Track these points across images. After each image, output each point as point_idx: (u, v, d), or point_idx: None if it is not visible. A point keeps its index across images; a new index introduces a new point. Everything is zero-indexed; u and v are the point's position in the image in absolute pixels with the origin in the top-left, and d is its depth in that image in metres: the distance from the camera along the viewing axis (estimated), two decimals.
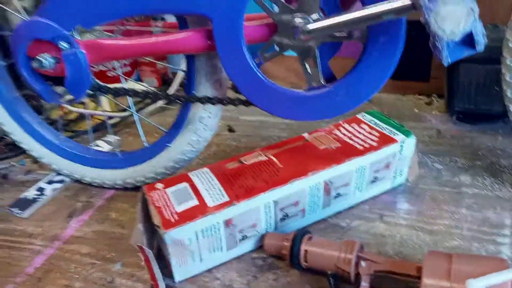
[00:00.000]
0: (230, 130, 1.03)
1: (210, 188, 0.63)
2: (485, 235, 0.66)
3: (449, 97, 0.97)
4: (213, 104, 0.65)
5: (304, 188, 0.65)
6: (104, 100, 1.16)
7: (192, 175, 0.66)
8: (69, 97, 0.70)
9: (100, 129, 1.06)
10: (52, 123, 1.05)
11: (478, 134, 0.93)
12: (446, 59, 0.42)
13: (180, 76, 1.16)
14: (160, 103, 1.14)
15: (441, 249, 0.64)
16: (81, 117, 1.12)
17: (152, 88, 0.84)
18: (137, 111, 0.74)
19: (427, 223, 0.69)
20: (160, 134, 0.78)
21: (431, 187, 0.77)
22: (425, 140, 0.92)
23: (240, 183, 0.63)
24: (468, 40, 0.40)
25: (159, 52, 0.62)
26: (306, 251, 0.60)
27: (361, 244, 0.59)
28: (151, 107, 1.14)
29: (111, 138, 0.99)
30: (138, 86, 1.04)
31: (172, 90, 1.15)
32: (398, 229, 0.68)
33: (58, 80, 0.67)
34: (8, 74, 0.83)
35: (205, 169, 0.67)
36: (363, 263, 0.56)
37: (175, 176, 0.67)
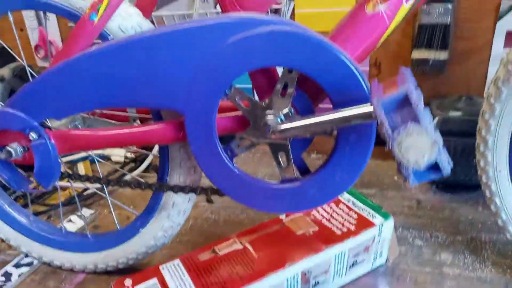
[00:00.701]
0: (208, 201, 1.00)
1: (181, 285, 0.60)
2: None
3: None
4: (185, 193, 0.63)
5: (281, 281, 0.62)
6: (80, 168, 1.14)
7: (163, 269, 0.63)
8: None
9: (74, 201, 1.03)
10: (23, 195, 1.02)
11: (458, 204, 0.92)
12: (413, 182, 0.42)
13: (148, 159, 1.15)
14: (137, 172, 1.12)
15: None
16: (55, 188, 1.09)
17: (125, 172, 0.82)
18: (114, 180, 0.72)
19: None
20: (140, 201, 0.75)
21: (412, 267, 0.75)
22: (405, 212, 0.91)
23: (212, 278, 0.61)
24: (434, 165, 0.40)
25: (131, 143, 0.61)
26: None
27: None
28: (128, 176, 1.12)
29: (85, 212, 0.96)
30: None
31: (137, 171, 1.13)
32: None
33: (27, 167, 0.66)
34: None
35: (177, 262, 0.65)
36: None
37: (145, 270, 0.64)
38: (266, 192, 0.58)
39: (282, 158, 0.57)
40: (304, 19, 1.01)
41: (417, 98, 0.38)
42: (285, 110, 0.54)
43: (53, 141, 0.62)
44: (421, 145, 0.38)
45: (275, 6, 0.94)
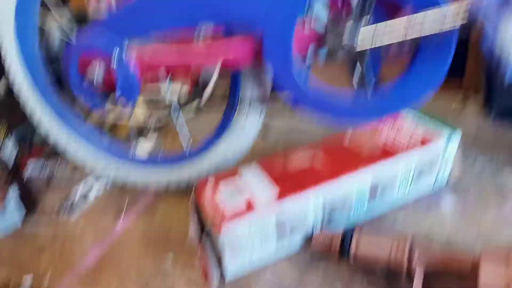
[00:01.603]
0: (263, 137, 1.04)
1: (260, 183, 0.64)
2: None
3: (488, 94, 0.96)
4: (261, 104, 0.67)
5: (351, 187, 0.66)
6: (138, 108, 1.19)
7: (243, 171, 0.68)
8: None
9: (138, 133, 1.09)
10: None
11: None
12: (509, 77, 0.43)
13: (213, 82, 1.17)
14: (193, 109, 1.16)
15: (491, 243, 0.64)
16: (116, 125, 1.15)
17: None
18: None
19: (473, 219, 0.69)
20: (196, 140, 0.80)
21: (473, 185, 0.77)
22: (464, 140, 0.91)
23: (289, 180, 0.65)
24: None
25: (210, 61, 0.64)
26: (356, 246, 0.61)
27: (413, 240, 0.59)
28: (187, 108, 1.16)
29: (152, 137, 1.01)
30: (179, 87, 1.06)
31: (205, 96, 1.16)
32: (443, 227, 0.68)
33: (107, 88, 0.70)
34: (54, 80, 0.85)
35: (255, 165, 0.69)
36: (416, 255, 0.57)
37: (226, 171, 0.69)
38: (342, 105, 0.61)
39: (358, 71, 0.59)
40: None
41: None
42: (364, 21, 0.55)
43: (134, 57, 0.66)
44: None
45: None
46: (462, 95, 1.09)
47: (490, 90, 0.95)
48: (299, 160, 0.70)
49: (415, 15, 0.49)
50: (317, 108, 0.62)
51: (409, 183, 0.72)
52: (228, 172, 0.69)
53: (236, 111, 0.72)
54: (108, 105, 0.74)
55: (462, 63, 1.04)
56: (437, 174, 0.74)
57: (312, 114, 0.63)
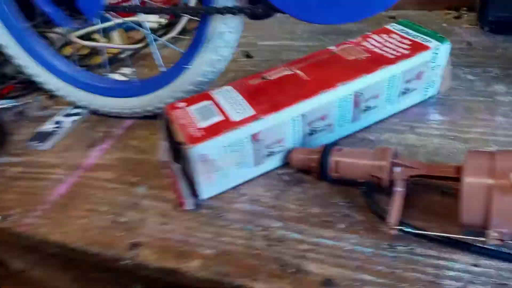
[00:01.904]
0: (248, 56, 0.98)
1: (235, 103, 0.60)
2: None
3: (482, 7, 0.90)
4: (233, 14, 0.60)
5: (332, 101, 0.61)
6: (115, 34, 1.12)
7: (214, 93, 0.63)
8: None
9: (112, 63, 1.03)
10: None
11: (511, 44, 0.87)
12: None
13: (182, 24, 1.10)
14: (173, 33, 1.09)
15: None
16: (93, 52, 1.09)
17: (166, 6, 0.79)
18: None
19: (460, 132, 0.66)
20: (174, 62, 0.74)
21: (463, 97, 0.73)
22: (456, 53, 0.86)
23: (265, 98, 0.60)
24: None
25: None
26: (336, 161, 0.57)
27: (395, 150, 0.56)
28: (163, 38, 1.10)
29: (126, 70, 0.96)
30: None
31: (173, 34, 1.09)
32: (431, 140, 0.65)
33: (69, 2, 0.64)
34: (16, 3, 0.79)
35: (227, 87, 0.64)
36: (397, 169, 0.54)
37: (196, 95, 0.64)
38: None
39: None
40: None
41: None
42: None
43: None
44: None
45: None
46: (456, 12, 1.02)
47: (485, 2, 0.88)
48: (276, 78, 0.65)
49: None
50: (296, 6, 0.56)
51: (396, 96, 0.67)
52: (199, 95, 0.64)
53: (211, 20, 0.66)
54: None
55: None
56: (425, 86, 0.70)
57: (292, 15, 0.57)
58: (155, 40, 0.75)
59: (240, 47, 1.00)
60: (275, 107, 0.58)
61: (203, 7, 0.62)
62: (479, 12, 0.93)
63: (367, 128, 0.69)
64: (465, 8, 1.02)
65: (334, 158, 0.57)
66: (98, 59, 1.04)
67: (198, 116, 0.59)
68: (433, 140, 0.65)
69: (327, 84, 0.61)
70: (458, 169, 0.50)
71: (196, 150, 0.54)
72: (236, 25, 0.67)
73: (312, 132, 0.63)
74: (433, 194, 0.55)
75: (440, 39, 0.67)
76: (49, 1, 0.64)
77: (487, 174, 0.45)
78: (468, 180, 0.46)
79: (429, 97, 0.73)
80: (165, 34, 1.10)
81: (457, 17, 1.01)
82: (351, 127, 0.67)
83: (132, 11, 0.65)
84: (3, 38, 0.80)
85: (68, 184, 0.69)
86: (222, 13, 0.61)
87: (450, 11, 1.04)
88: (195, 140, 0.55)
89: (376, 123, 0.69)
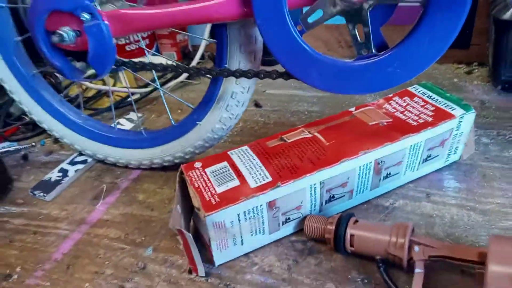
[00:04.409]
0: (257, 105, 0.97)
1: (252, 167, 0.58)
2: None
3: (494, 65, 0.90)
4: (248, 78, 0.60)
5: (353, 169, 0.60)
6: (123, 76, 1.12)
7: (232, 154, 0.62)
8: (90, 73, 0.66)
9: (120, 106, 1.02)
10: (70, 101, 1.01)
11: None
12: None
13: (202, 47, 1.10)
14: (181, 78, 1.09)
15: (496, 230, 0.59)
16: (100, 94, 1.08)
17: (177, 63, 0.79)
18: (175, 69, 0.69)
19: (478, 202, 0.64)
20: (184, 110, 0.73)
21: (479, 163, 0.72)
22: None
23: (283, 162, 0.59)
24: None
25: (190, 21, 0.56)
26: (352, 235, 0.55)
27: (413, 227, 0.54)
28: (172, 83, 1.09)
29: (133, 115, 0.95)
30: (162, 60, 0.99)
31: (194, 62, 1.09)
32: (447, 209, 0.63)
33: (79, 55, 0.63)
34: (24, 50, 0.78)
35: (245, 148, 0.63)
36: (417, 248, 0.52)
37: (213, 154, 0.63)
38: (340, 70, 0.54)
39: (359, 32, 0.52)
40: None
41: None
42: None
43: (106, 21, 0.58)
44: None
45: None
46: (467, 67, 1.02)
47: (497, 60, 0.88)
48: (295, 141, 0.63)
49: None
50: (315, 75, 0.55)
51: (417, 163, 0.66)
52: (216, 155, 0.62)
53: (224, 80, 0.65)
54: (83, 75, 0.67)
55: (468, 34, 0.97)
56: (448, 153, 0.69)
57: (309, 82, 0.57)
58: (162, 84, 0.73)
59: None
60: (294, 174, 0.57)
61: (217, 69, 0.61)
62: (491, 70, 0.92)
63: (386, 194, 0.67)
64: (475, 63, 1.01)
65: (350, 230, 0.56)
66: (105, 102, 1.03)
67: (214, 180, 0.57)
68: (450, 210, 0.63)
69: (348, 151, 0.59)
70: (482, 254, 0.49)
71: (212, 218, 0.53)
72: (249, 84, 0.66)
73: (330, 199, 0.61)
74: (453, 272, 0.53)
75: (465, 107, 0.66)
76: (58, 54, 0.63)
77: None
78: (494, 268, 0.44)
79: (451, 163, 0.71)
80: (174, 78, 1.10)
81: (468, 72, 1.01)
82: (370, 194, 0.65)
83: (143, 69, 0.64)
84: (10, 84, 0.78)
85: (72, 240, 0.67)
86: (236, 77, 0.60)
87: (460, 65, 1.04)
88: (211, 207, 0.53)
89: (396, 189, 0.68)
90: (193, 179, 0.57)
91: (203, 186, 0.56)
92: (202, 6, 0.55)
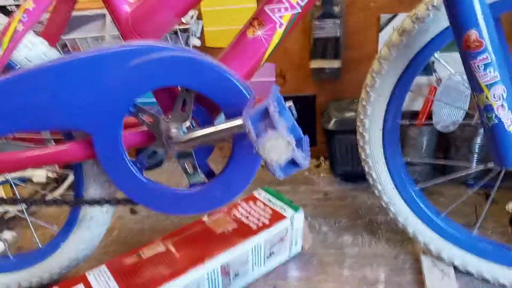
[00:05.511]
0: (132, 211, 1.05)
1: None
2: None
3: (331, 162, 1.09)
4: (100, 205, 0.68)
5: (202, 275, 0.69)
6: (0, 192, 1.13)
7: (89, 275, 0.68)
8: None
9: None
10: None
11: (359, 192, 1.04)
12: (279, 175, 0.51)
13: (69, 180, 1.16)
14: (60, 190, 1.13)
15: None
16: None
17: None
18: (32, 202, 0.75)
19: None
20: (63, 219, 0.78)
21: (318, 251, 0.85)
22: (314, 203, 1.02)
23: (137, 280, 0.66)
24: (293, 161, 0.49)
25: (45, 163, 0.64)
26: None
27: None
28: (53, 193, 1.12)
29: (7, 234, 0.96)
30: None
31: (60, 191, 1.14)
32: None
33: None
34: None
35: (103, 267, 0.69)
36: None
37: (71, 278, 0.68)
38: (176, 198, 0.65)
39: (188, 166, 0.64)
40: (212, 36, 1.09)
41: (273, 109, 0.47)
42: (187, 123, 0.61)
43: None
44: (279, 146, 0.46)
45: (183, 26, 1.00)
46: (316, 161, 1.20)
47: (333, 159, 1.07)
48: (150, 256, 0.71)
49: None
50: (151, 202, 0.65)
51: (263, 260, 0.77)
52: (73, 279, 0.68)
53: (83, 205, 0.72)
54: None
55: (313, 134, 1.16)
56: (289, 247, 0.81)
57: (150, 207, 0.67)
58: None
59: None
60: None
61: (71, 200, 0.70)
62: (330, 165, 1.11)
63: None
64: (322, 158, 1.20)
65: None
66: None
67: None
68: None
69: (195, 260, 0.69)
70: None
71: None
72: (108, 206, 0.74)
73: None
74: None
75: (295, 208, 0.80)
76: None
77: None
78: None
79: (295, 254, 0.84)
80: (54, 189, 1.14)
81: (317, 166, 1.19)
82: None
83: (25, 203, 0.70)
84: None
85: None
86: (90, 205, 0.69)
87: (311, 160, 1.22)
88: None
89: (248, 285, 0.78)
90: None
91: None
92: (53, 151, 0.63)
